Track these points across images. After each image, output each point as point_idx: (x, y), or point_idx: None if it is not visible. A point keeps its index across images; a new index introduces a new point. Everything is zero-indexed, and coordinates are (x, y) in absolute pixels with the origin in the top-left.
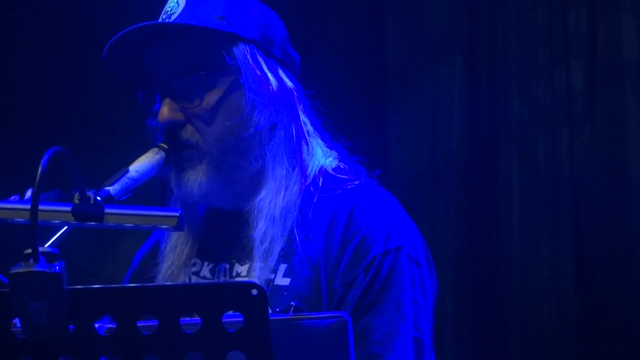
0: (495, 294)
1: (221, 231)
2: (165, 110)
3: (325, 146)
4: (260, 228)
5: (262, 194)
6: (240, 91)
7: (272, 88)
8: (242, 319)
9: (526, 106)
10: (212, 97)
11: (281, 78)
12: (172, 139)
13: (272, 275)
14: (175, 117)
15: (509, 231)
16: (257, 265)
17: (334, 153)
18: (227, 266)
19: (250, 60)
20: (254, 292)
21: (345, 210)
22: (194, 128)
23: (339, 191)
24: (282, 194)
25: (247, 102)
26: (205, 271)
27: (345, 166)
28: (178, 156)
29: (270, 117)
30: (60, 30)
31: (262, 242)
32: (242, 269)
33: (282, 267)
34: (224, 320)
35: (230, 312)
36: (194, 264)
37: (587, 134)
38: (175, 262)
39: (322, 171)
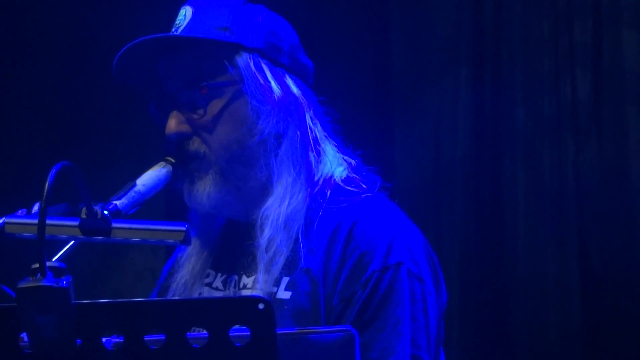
0: (501, 303)
1: (233, 242)
2: (172, 123)
3: (338, 152)
4: (265, 236)
5: (269, 202)
6: (244, 100)
7: (277, 96)
8: (248, 333)
9: (531, 117)
10: (215, 107)
11: (287, 86)
12: (180, 151)
13: (275, 289)
14: (182, 129)
15: (515, 241)
16: (261, 276)
17: (345, 162)
18: (236, 278)
19: (253, 68)
20: (261, 306)
21: (347, 225)
22: (200, 139)
23: (345, 204)
24: (287, 202)
25: (251, 111)
26: (218, 282)
27: (356, 176)
28: (186, 169)
29: (276, 125)
30: (69, 42)
31: (266, 251)
32: (248, 281)
33: (285, 280)
34: (230, 334)
35: (237, 327)
36: (208, 275)
37: (592, 145)
38: (190, 272)
39: (332, 182)
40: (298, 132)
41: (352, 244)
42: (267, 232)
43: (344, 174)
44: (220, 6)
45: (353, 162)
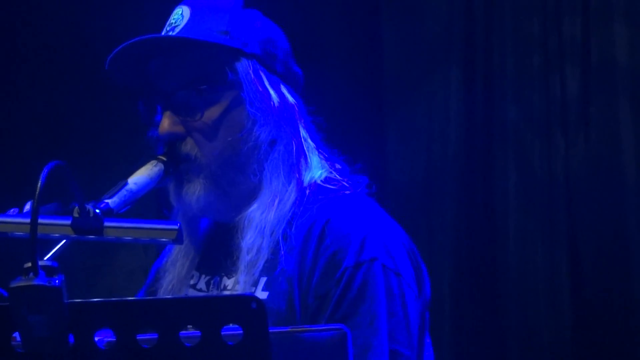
0: (493, 300)
1: (216, 243)
2: (166, 123)
3: (324, 159)
4: (248, 239)
5: (254, 206)
6: (242, 107)
7: (274, 104)
8: (241, 332)
9: (522, 113)
10: (213, 112)
11: (283, 93)
12: (172, 151)
13: (253, 289)
14: (175, 130)
15: (506, 237)
16: (242, 277)
17: (328, 167)
18: (218, 279)
19: (252, 75)
20: (254, 305)
21: (320, 222)
22: (193, 141)
23: (321, 202)
24: (275, 207)
25: (247, 118)
26: (202, 284)
27: (337, 176)
28: (176, 169)
29: (271, 132)
30: (61, 42)
31: (248, 253)
32: (229, 282)
33: (263, 280)
34: (223, 333)
35: (230, 325)
36: (192, 277)
37: (581, 140)
38: (176, 276)
39: (312, 183)
40: (292, 140)
41: (326, 241)
42: (250, 236)
43: (324, 175)
44: (220, 9)
45: (338, 166)
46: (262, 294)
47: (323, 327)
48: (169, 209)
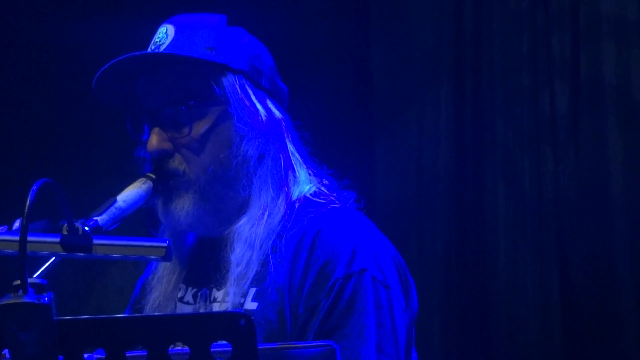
0: (483, 313)
1: (205, 256)
2: (154, 140)
3: (312, 174)
4: (238, 252)
5: (243, 220)
6: (229, 121)
7: (261, 118)
8: (230, 348)
9: (511, 130)
10: (200, 127)
11: (269, 108)
12: (160, 168)
13: (242, 299)
14: (163, 147)
15: (496, 252)
16: (232, 289)
17: (317, 182)
18: (207, 291)
19: (239, 90)
20: (242, 322)
21: (310, 234)
22: (182, 157)
23: (311, 215)
24: (264, 221)
25: (235, 133)
26: (189, 296)
27: (326, 191)
28: (165, 185)
29: (259, 147)
30: (50, 59)
31: (238, 265)
32: (218, 294)
33: (252, 291)
34: (212, 350)
35: (219, 342)
36: (180, 289)
37: (570, 157)
38: (162, 292)
39: (302, 197)
40: (280, 155)
41: (316, 253)
42: (240, 249)
43: (313, 189)
44: (204, 26)
45: (326, 181)
46: (251, 305)
47: (312, 344)
48: (155, 227)
